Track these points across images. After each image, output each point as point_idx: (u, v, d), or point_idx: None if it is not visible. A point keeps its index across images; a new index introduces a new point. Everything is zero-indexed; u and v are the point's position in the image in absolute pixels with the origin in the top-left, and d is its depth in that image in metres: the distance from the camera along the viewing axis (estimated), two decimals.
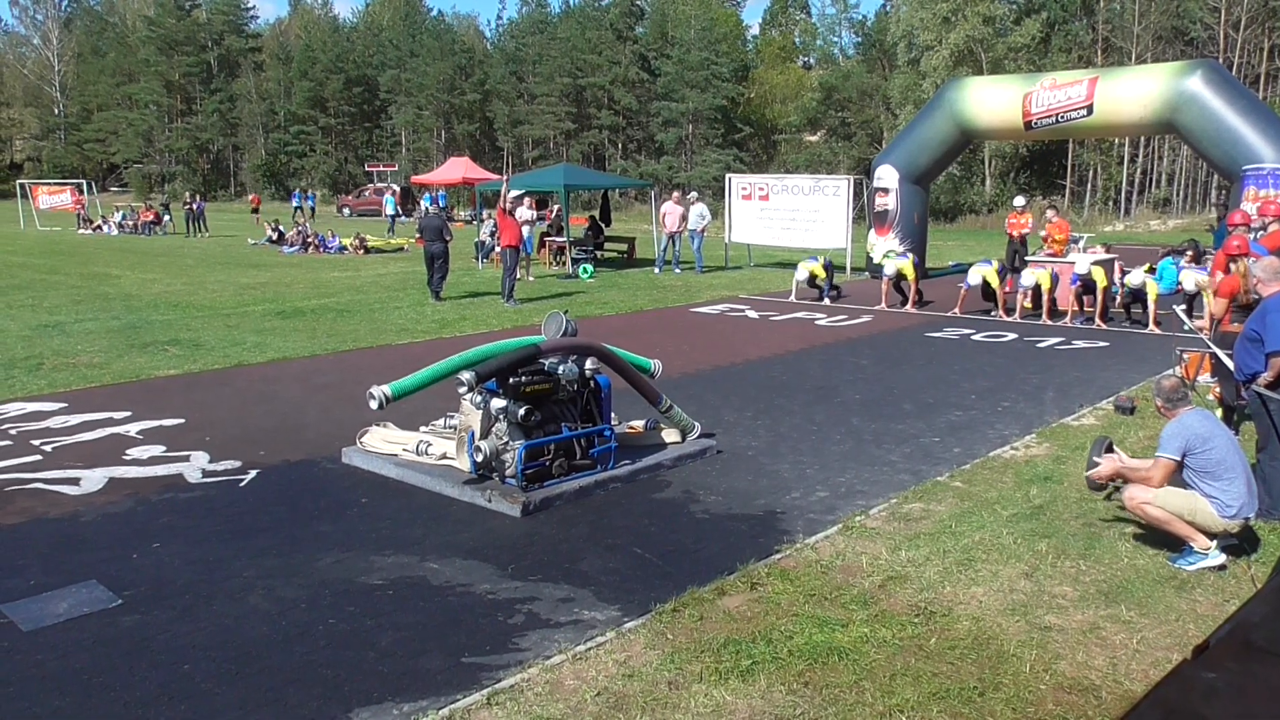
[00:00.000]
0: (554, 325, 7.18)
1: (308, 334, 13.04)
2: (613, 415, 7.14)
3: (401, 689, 4.02)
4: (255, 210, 42.74)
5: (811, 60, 69.38)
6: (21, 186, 42.46)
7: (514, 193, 22.57)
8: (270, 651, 4.36)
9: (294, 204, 44.40)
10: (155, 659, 4.30)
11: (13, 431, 8.05)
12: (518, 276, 16.83)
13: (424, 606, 4.83)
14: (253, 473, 6.97)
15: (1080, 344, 12.44)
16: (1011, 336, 13.06)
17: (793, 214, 21.46)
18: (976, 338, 13.00)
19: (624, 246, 24.86)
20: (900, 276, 16.04)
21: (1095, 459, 6.05)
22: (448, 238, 16.61)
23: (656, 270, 21.47)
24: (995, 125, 19.69)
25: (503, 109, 63.73)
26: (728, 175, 24.79)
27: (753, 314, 15.40)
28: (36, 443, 7.72)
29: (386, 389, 6.48)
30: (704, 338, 12.99)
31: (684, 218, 21.72)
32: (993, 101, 19.12)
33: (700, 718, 3.83)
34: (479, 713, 3.86)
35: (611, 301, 16.52)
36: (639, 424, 7.62)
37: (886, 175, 20.10)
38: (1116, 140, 41.29)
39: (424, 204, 23.97)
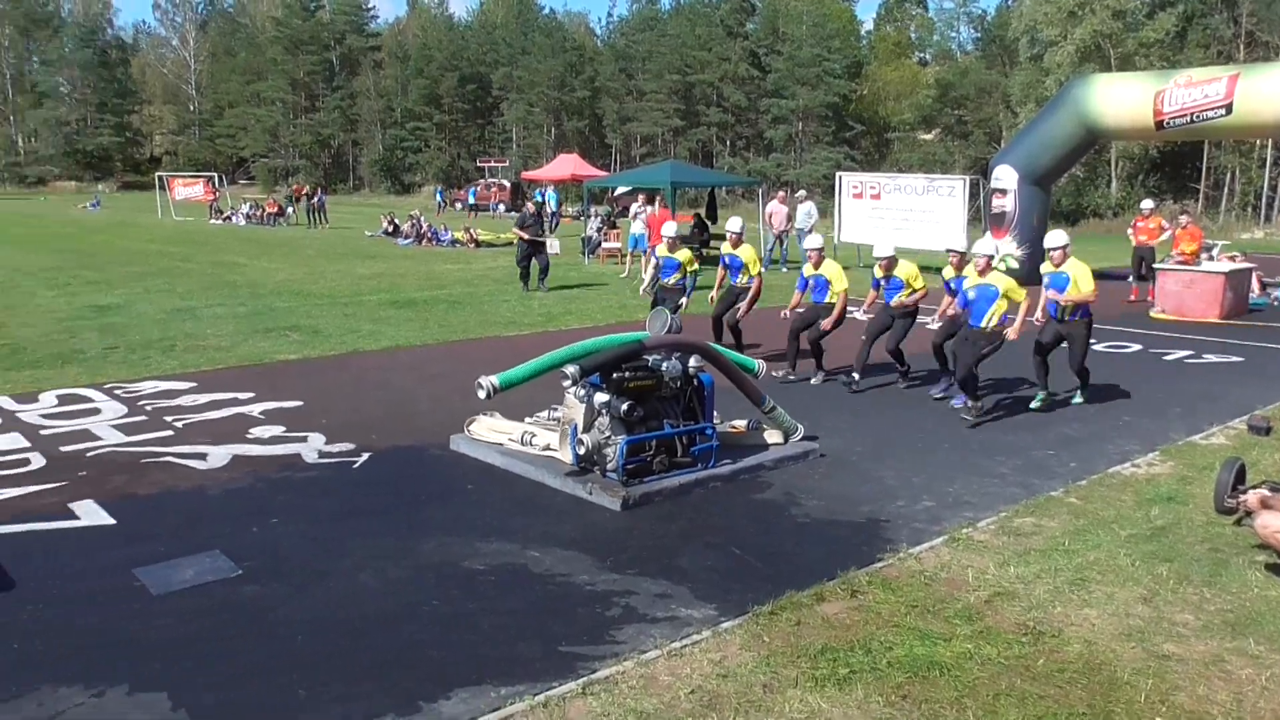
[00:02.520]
0: (659, 322, 7.21)
1: (420, 324, 13.39)
2: (715, 414, 7.13)
3: (499, 673, 4.11)
4: (297, 200, 40.94)
5: (928, 56, 67.81)
6: (160, 179, 44.73)
7: (622, 190, 22.72)
8: (377, 629, 4.51)
9: (437, 199, 45.56)
10: (270, 629, 4.49)
11: (148, 408, 8.51)
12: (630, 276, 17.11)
13: (524, 594, 4.91)
14: (365, 455, 7.21)
15: (1211, 358, 11.83)
16: (1136, 348, 12.51)
17: (905, 214, 21.03)
18: (1097, 347, 12.49)
19: None
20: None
21: (1225, 479, 5.76)
22: (540, 235, 17.06)
23: (763, 269, 21.30)
24: (1123, 124, 18.85)
25: (612, 106, 64.19)
26: (838, 173, 24.44)
27: (861, 316, 15.12)
28: (169, 419, 8.15)
29: (494, 379, 6.61)
30: None
31: (791, 216, 21.49)
32: (1122, 99, 18.30)
33: None
34: (574, 702, 3.91)
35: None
36: (741, 424, 7.58)
37: (1005, 175, 19.48)
38: (1258, 142, 39.07)
39: (533, 200, 24.37)
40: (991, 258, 8.66)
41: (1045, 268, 9.03)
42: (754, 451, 7.18)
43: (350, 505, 6.18)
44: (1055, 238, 8.95)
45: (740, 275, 11.00)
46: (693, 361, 6.82)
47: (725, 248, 11.08)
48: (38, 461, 6.94)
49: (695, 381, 6.86)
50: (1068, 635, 4.53)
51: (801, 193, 24.09)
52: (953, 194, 20.40)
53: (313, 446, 7.42)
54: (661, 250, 11.53)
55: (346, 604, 4.77)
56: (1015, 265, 19.21)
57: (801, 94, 55.47)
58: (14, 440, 7.45)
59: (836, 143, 56.71)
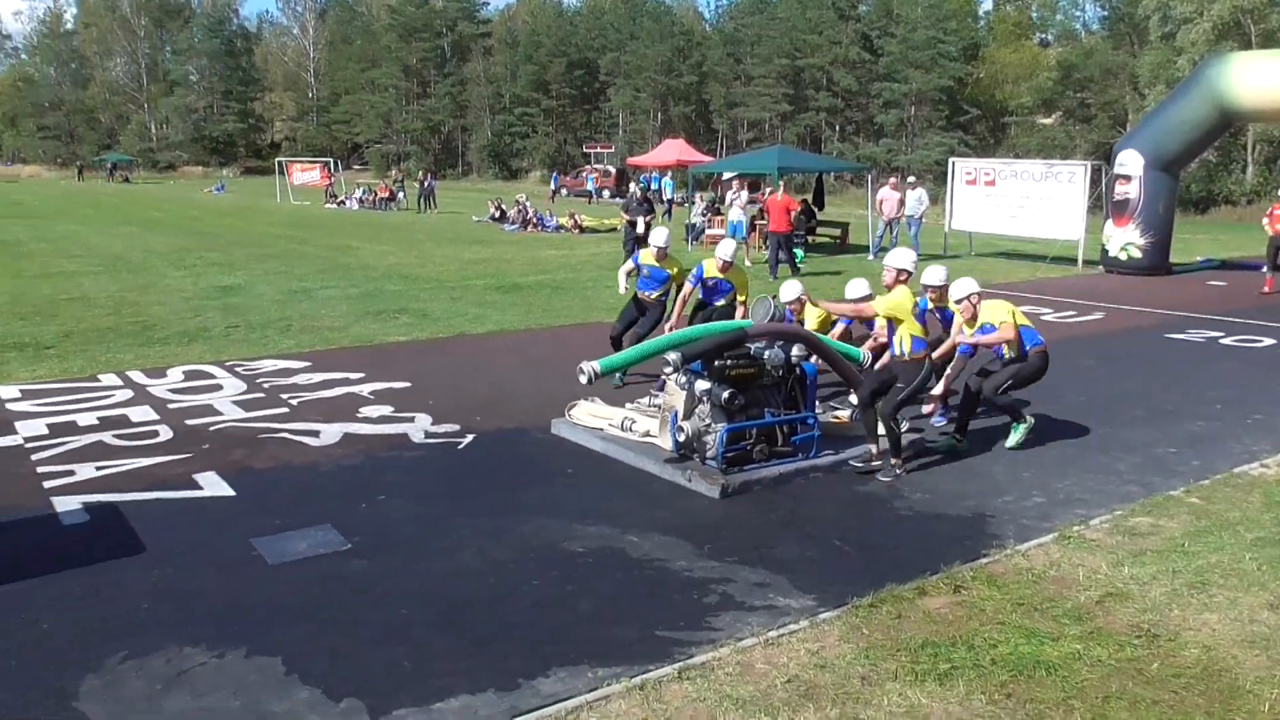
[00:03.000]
0: (762, 310, 7.14)
1: (524, 308, 13.60)
2: (817, 403, 7.05)
3: (597, 654, 4.16)
4: (399, 184, 40.31)
5: (1049, 37, 65.19)
6: (279, 164, 46.43)
7: (727, 175, 22.60)
8: (479, 606, 4.62)
9: (552, 186, 45.99)
10: (377, 602, 4.65)
11: (266, 385, 8.88)
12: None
13: (622, 577, 4.96)
14: (470, 437, 7.37)
15: None
16: (1269, 342, 11.84)
17: (1021, 201, 20.35)
18: (1226, 341, 11.89)
19: (837, 232, 24.36)
20: None
21: None
22: (646, 218, 17.12)
23: (870, 257, 20.92)
24: (1263, 106, 17.74)
25: (719, 91, 63.76)
26: (951, 159, 23.77)
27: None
28: (285, 396, 8.49)
29: (595, 365, 6.67)
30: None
31: (902, 203, 21.02)
32: (1262, 79, 17.21)
33: (893, 717, 3.74)
34: (670, 685, 3.93)
35: (820, 288, 16.18)
36: (844, 414, 7.47)
37: (1130, 161, 18.64)
38: None
39: (637, 187, 24.39)
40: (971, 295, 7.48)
41: (957, 320, 7.66)
42: (857, 443, 7.07)
43: (454, 485, 6.33)
44: (961, 287, 7.49)
45: (723, 299, 9.02)
46: (795, 350, 6.75)
47: (709, 268, 8.94)
48: (166, 433, 7.33)
49: (797, 370, 6.79)
50: (1185, 639, 4.34)
51: (912, 179, 23.48)
52: (1073, 180, 19.63)
53: (419, 427, 7.62)
54: (648, 258, 9.14)
55: (450, 581, 4.90)
56: (1138, 255, 18.44)
57: (915, 77, 54.05)
58: (145, 413, 7.87)
59: (950, 128, 55.10)
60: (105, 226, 27.69)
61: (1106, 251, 19.09)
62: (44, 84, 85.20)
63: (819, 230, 24.55)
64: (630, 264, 9.43)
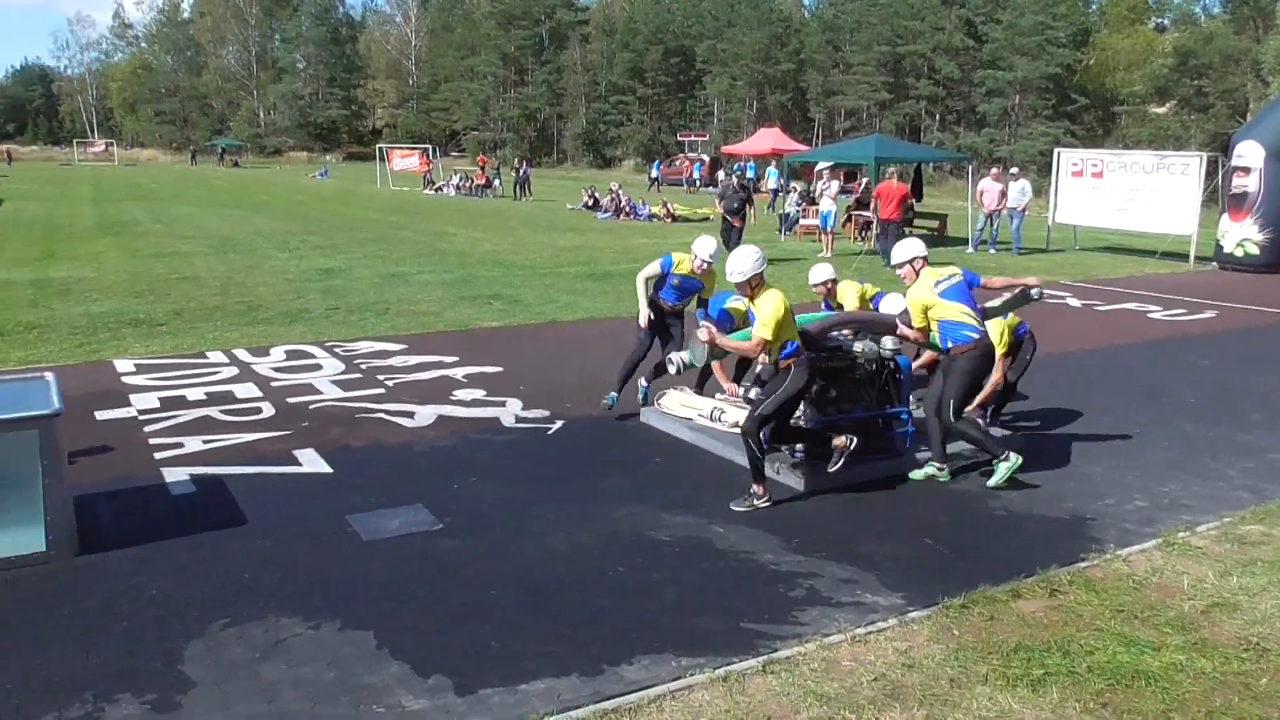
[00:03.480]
0: (686, 356, 6.73)
1: (614, 296, 13.65)
2: (911, 399, 6.91)
3: (681, 643, 4.16)
4: (481, 170, 40.49)
5: (1166, 21, 62.42)
6: (380, 150, 47.51)
7: (822, 165, 22.29)
8: (565, 590, 4.66)
9: (652, 174, 45.85)
10: (466, 581, 4.73)
11: (363, 366, 9.12)
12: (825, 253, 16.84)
13: (707, 568, 4.95)
14: (559, 423, 7.44)
15: None
16: None
17: (1130, 194, 19.59)
18: None
19: (935, 223, 23.79)
20: None
21: None
22: (745, 207, 17.01)
23: (969, 250, 20.41)
24: None
25: (816, 79, 62.88)
26: (1056, 150, 23.01)
27: (1075, 302, 14.27)
28: (381, 377, 8.70)
29: (685, 355, 6.65)
30: None
31: (1003, 194, 20.43)
32: None
33: None
34: (754, 678, 3.91)
35: None
36: None
37: (1249, 152, 17.75)
38: None
39: (732, 174, 24.21)
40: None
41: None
42: (952, 439, 6.90)
43: (544, 470, 6.40)
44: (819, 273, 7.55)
45: (681, 303, 7.70)
46: (889, 344, 6.62)
47: (681, 265, 7.50)
48: (268, 410, 7.58)
49: (891, 365, 6.66)
50: None
51: (1015, 170, 22.81)
52: (1186, 172, 18.80)
53: (511, 411, 7.73)
54: (685, 268, 7.52)
55: (537, 564, 4.96)
56: (1255, 251, 17.59)
57: (1020, 65, 52.39)
58: (249, 390, 8.17)
59: (1056, 117, 53.29)
60: (215, 209, 28.78)
61: (1221, 247, 18.26)
62: (161, 71, 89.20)
63: (916, 222, 23.98)
64: (657, 269, 7.59)
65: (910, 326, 6.22)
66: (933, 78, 58.59)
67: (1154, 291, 15.21)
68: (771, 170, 25.57)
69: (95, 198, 33.07)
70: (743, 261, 5.71)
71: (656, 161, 47.60)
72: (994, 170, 21.77)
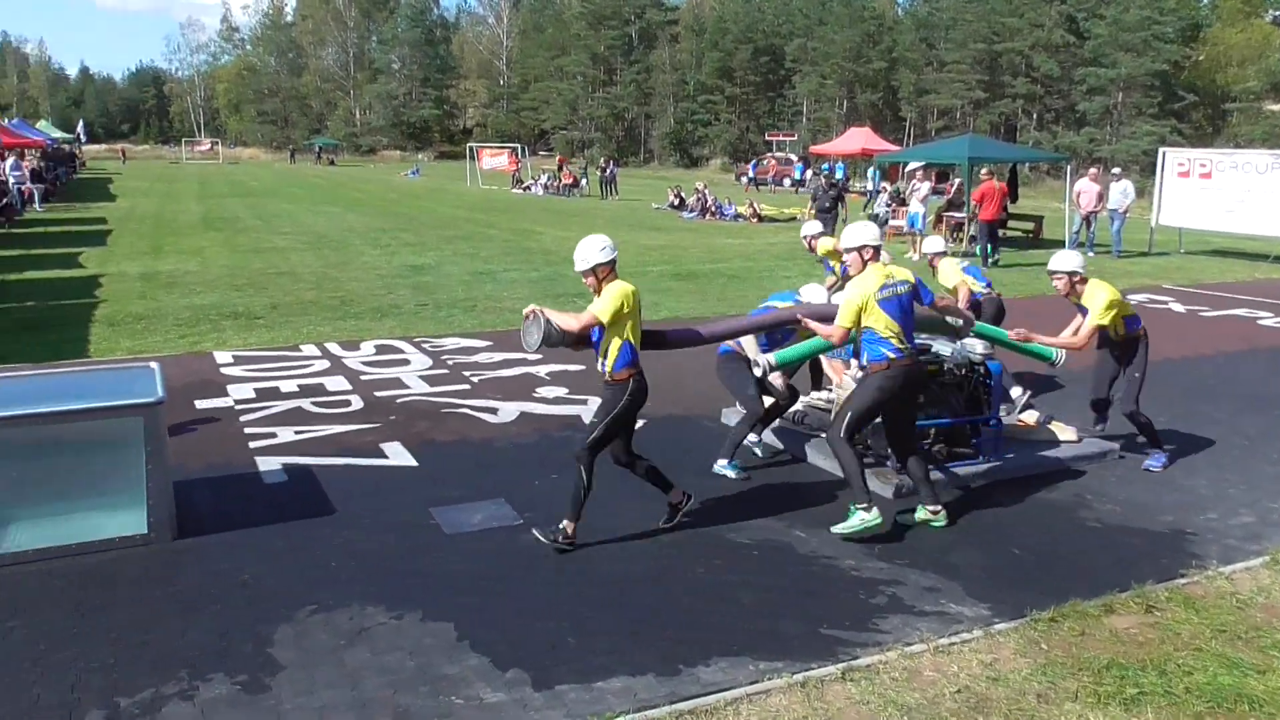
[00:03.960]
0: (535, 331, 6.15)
1: (699, 295, 13.62)
2: (1003, 406, 6.72)
3: (758, 647, 4.12)
4: (560, 170, 40.62)
5: None
6: (470, 149, 48.30)
7: (913, 165, 21.88)
8: (642, 589, 4.66)
9: (749, 175, 45.60)
10: (544, 577, 4.77)
11: (450, 362, 9.27)
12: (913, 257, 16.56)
13: (787, 571, 4.89)
14: (641, 422, 7.39)
15: None
16: None
17: (1242, 195, 18.75)
18: None
19: (1030, 225, 23.15)
20: None
21: None
22: (837, 206, 16.77)
23: None
24: None
25: (909, 77, 61.79)
26: (1161, 149, 22.14)
27: (1178, 307, 13.71)
28: (467, 373, 8.84)
29: (771, 358, 6.54)
30: None
31: (1101, 196, 19.75)
32: None
33: None
34: (832, 685, 3.85)
35: (1010, 283, 15.50)
36: (1032, 417, 7.09)
37: None
38: None
39: (821, 174, 23.89)
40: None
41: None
42: (1044, 448, 6.71)
43: (623, 469, 6.39)
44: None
45: None
46: (980, 348, 6.45)
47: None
48: (357, 403, 7.77)
49: (981, 369, 6.50)
50: None
51: (1117, 170, 22.03)
52: None
53: (592, 409, 7.73)
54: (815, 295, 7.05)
55: (615, 562, 4.97)
56: None
57: (1124, 61, 50.61)
58: (340, 383, 8.38)
59: (1162, 115, 51.34)
60: (312, 206, 29.63)
61: None
62: (264, 73, 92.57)
63: (1011, 223, 23.36)
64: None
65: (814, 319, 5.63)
66: (1030, 75, 57.02)
67: (1265, 297, 14.52)
68: (872, 171, 25.13)
69: (200, 194, 34.36)
70: (586, 249, 5.15)
71: (754, 162, 47.20)
72: (1092, 170, 21.08)
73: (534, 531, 5.15)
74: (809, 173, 40.95)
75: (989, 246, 17.70)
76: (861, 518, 5.19)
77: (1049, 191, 37.56)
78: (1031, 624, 4.35)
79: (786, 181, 43.97)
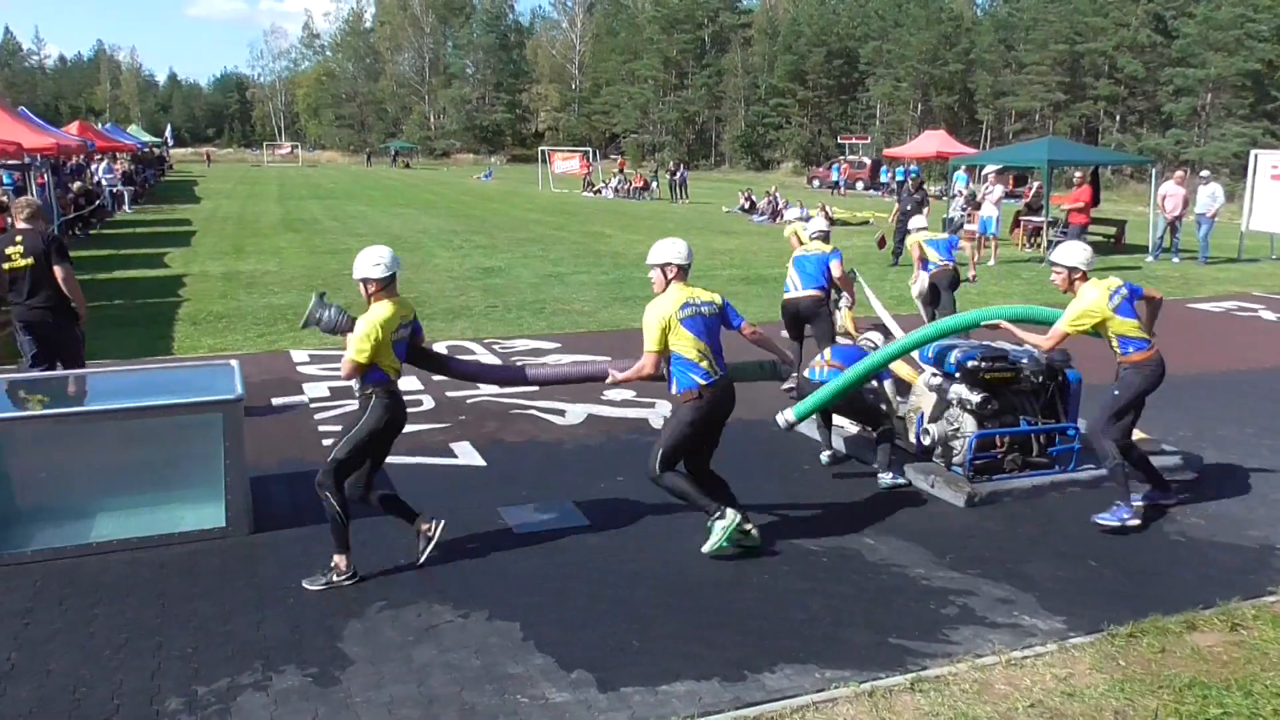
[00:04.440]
0: (323, 311, 5.13)
1: (769, 300, 13.50)
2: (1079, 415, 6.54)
3: (825, 654, 4.07)
4: (620, 173, 41.03)
5: None
6: (542, 153, 48.72)
7: (991, 168, 21.45)
8: (707, 593, 4.64)
9: (835, 179, 44.95)
10: (609, 578, 4.78)
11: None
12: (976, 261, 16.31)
13: (855, 579, 4.83)
14: None
15: None
16: None
17: None
18: None
19: (1112, 230, 22.51)
20: None
21: None
22: (920, 210, 16.55)
23: (1150, 258, 19.20)
24: None
25: (986, 79, 60.57)
26: (1253, 152, 21.33)
27: (1269, 315, 13.21)
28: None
29: (790, 414, 5.93)
30: (1201, 339, 11.38)
31: (1187, 200, 19.11)
32: None
33: None
34: (900, 696, 3.78)
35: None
36: None
37: None
38: None
39: (908, 177, 23.51)
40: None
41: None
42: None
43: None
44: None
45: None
46: (1057, 355, 6.29)
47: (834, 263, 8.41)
48: (429, 403, 7.89)
49: (1060, 377, 6.33)
50: None
51: (1205, 173, 21.29)
52: None
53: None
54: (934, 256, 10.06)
55: (681, 566, 4.95)
56: None
57: (1214, 61, 48.87)
58: (412, 383, 8.50)
59: (1254, 116, 49.43)
60: (387, 208, 30.19)
61: None
62: (343, 78, 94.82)
63: (1092, 228, 22.72)
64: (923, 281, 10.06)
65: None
66: (1114, 76, 55.47)
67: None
68: (960, 175, 24.63)
69: (280, 196, 35.27)
70: (360, 260, 4.83)
71: (836, 165, 46.61)
72: (1178, 174, 20.41)
73: (304, 584, 4.61)
74: (893, 176, 40.36)
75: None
76: (721, 526, 4.94)
77: (1132, 195, 36.52)
78: (1109, 639, 4.23)
79: (859, 184, 43.44)
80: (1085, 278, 5.64)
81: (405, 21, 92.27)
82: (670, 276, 5.25)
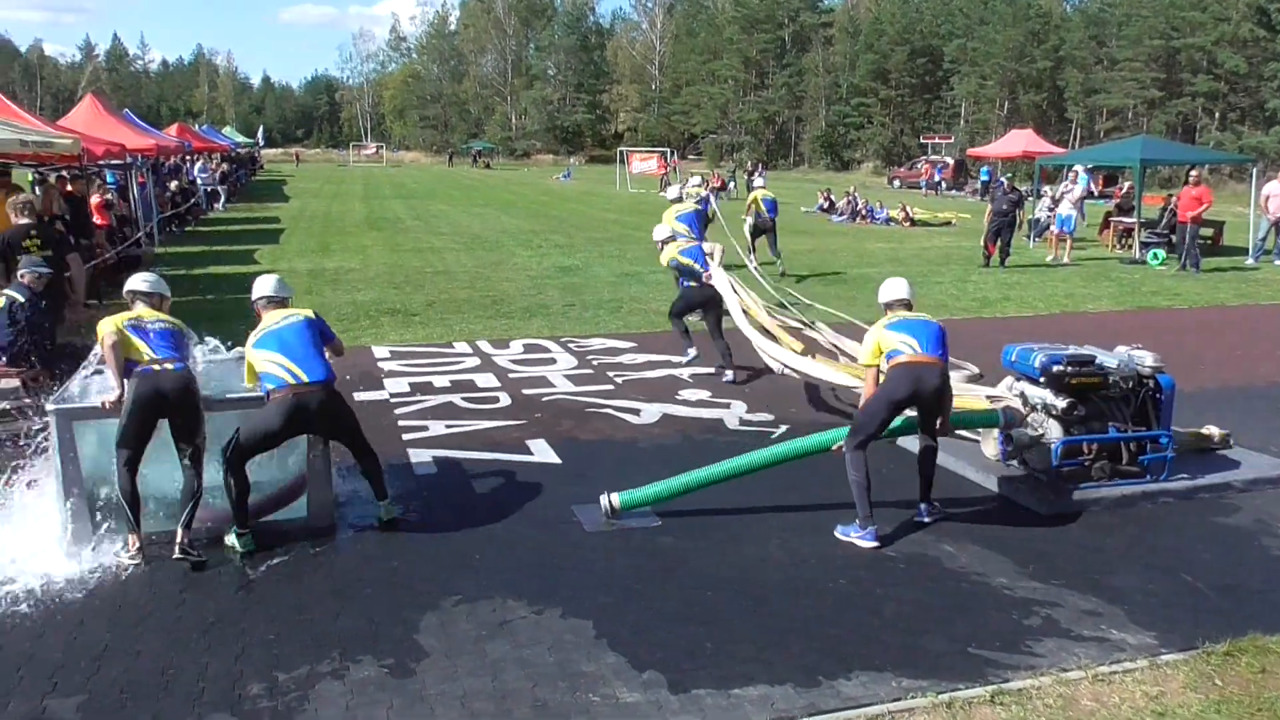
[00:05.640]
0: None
1: (846, 301, 13.34)
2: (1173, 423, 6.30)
3: (901, 663, 3.98)
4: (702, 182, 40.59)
5: None
6: (620, 153, 48.89)
7: (1077, 167, 20.84)
8: (782, 598, 4.58)
9: (983, 180, 43.63)
10: (682, 580, 4.75)
11: (595, 362, 9.39)
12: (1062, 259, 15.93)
13: (934, 587, 4.72)
14: (784, 427, 7.34)
15: None
16: None
17: None
18: None
19: (1209, 231, 21.65)
20: None
21: None
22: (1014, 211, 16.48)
23: (1250, 260, 18.43)
24: None
25: (1076, 76, 58.91)
26: None
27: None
28: (611, 374, 8.92)
29: (615, 498, 5.51)
30: None
31: None
32: None
33: None
34: (980, 708, 3.68)
35: (1185, 293, 14.56)
36: (1215, 432, 6.61)
37: None
38: None
39: (990, 178, 23.06)
40: None
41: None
42: (1221, 468, 6.25)
43: (765, 474, 6.28)
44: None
45: None
46: (1150, 359, 6.07)
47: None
48: (505, 400, 7.96)
49: (1151, 382, 6.10)
50: None
51: None
52: None
53: (735, 413, 7.70)
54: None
55: (755, 569, 4.90)
56: None
57: None
58: (490, 380, 8.60)
59: None
60: (468, 207, 30.62)
61: None
62: (428, 79, 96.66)
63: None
64: None
65: None
66: (1213, 72, 53.40)
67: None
68: (1083, 176, 23.88)
69: (365, 195, 36.04)
70: (255, 286, 5.54)
71: (939, 166, 45.52)
72: None
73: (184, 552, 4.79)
74: (988, 177, 39.38)
75: (1197, 254, 16.80)
76: (230, 541, 4.97)
77: (1231, 195, 35.08)
78: (1204, 656, 4.05)
79: (943, 185, 42.61)
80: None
81: (489, 24, 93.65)
82: (259, 309, 5.50)
